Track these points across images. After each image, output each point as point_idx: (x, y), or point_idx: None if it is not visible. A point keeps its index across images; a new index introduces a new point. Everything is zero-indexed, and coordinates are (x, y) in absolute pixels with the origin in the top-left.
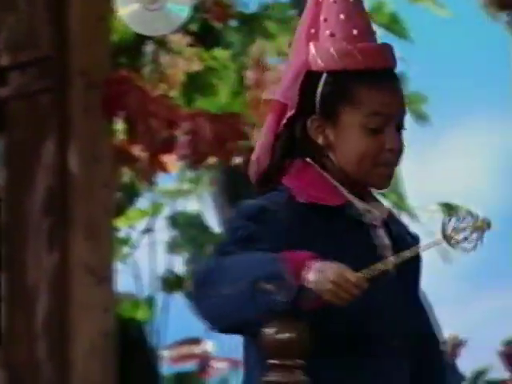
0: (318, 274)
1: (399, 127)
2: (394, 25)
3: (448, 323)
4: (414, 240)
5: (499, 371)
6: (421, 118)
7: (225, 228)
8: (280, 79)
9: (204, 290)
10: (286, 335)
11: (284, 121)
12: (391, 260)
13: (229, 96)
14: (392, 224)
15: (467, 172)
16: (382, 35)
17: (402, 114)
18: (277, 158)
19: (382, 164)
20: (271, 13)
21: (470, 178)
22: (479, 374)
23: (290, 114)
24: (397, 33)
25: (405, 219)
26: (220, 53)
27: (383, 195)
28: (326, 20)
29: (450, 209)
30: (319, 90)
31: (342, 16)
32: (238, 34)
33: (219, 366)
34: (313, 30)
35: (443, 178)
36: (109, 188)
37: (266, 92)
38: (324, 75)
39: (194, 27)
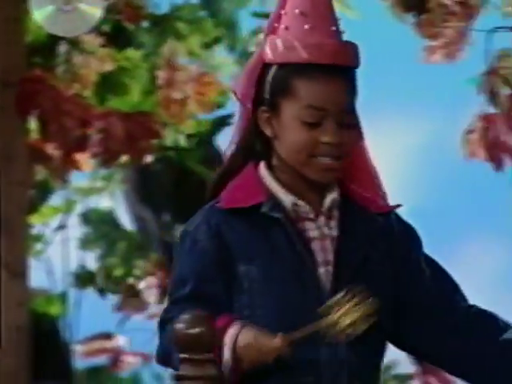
0: (234, 342)
1: (344, 123)
2: None
3: None
4: (389, 228)
5: (406, 365)
6: None
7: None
8: (191, 79)
9: (167, 363)
10: (196, 330)
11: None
12: (316, 324)
13: (141, 95)
14: (349, 213)
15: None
16: None
17: (345, 109)
18: (237, 153)
19: (318, 156)
20: (182, 14)
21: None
22: (386, 369)
23: (248, 106)
24: None
25: None
26: (132, 53)
27: None
28: (285, 14)
29: None
30: (268, 81)
31: (296, 11)
32: (149, 34)
33: (131, 361)
34: (276, 24)
35: None
36: (23, 186)
37: (177, 92)
38: (273, 67)
39: (106, 28)
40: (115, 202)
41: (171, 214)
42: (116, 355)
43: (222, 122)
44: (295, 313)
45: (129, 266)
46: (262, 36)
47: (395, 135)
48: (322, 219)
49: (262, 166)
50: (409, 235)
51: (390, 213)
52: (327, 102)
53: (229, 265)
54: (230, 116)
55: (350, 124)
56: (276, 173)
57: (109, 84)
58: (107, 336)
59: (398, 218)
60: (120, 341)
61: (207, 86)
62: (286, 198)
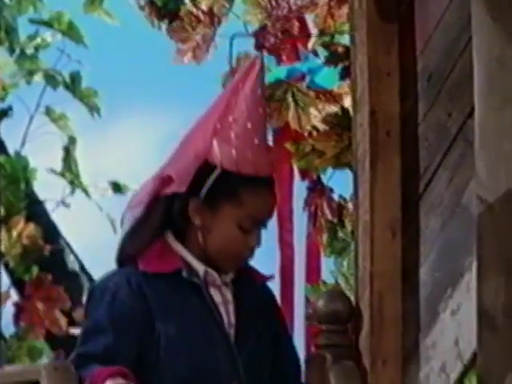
0: None
1: (263, 226)
2: (71, 32)
3: None
4: (266, 294)
5: None
6: (93, 109)
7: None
8: None
9: None
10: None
11: (167, 191)
12: None
13: None
14: (243, 284)
15: (132, 156)
16: (60, 41)
17: (271, 217)
18: (151, 229)
19: (242, 256)
20: None
21: (135, 161)
22: None
23: (181, 189)
24: (74, 39)
25: (80, 195)
26: None
27: (62, 175)
28: (235, 122)
29: (118, 188)
30: (210, 180)
31: (249, 125)
32: None
33: None
34: (219, 126)
35: (113, 161)
36: None
37: None
38: (218, 170)
39: None
40: None
41: None
42: None
43: (2, 114)
44: (206, 371)
45: None
46: None
47: (148, 129)
48: (223, 286)
49: (170, 236)
50: (275, 302)
51: (264, 282)
52: (265, 213)
53: (147, 321)
54: (9, 108)
55: (265, 227)
56: (188, 245)
57: None
58: None
59: (267, 287)
60: None
61: None
62: (199, 267)
